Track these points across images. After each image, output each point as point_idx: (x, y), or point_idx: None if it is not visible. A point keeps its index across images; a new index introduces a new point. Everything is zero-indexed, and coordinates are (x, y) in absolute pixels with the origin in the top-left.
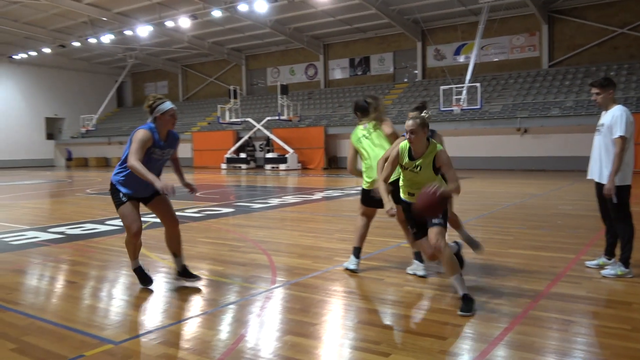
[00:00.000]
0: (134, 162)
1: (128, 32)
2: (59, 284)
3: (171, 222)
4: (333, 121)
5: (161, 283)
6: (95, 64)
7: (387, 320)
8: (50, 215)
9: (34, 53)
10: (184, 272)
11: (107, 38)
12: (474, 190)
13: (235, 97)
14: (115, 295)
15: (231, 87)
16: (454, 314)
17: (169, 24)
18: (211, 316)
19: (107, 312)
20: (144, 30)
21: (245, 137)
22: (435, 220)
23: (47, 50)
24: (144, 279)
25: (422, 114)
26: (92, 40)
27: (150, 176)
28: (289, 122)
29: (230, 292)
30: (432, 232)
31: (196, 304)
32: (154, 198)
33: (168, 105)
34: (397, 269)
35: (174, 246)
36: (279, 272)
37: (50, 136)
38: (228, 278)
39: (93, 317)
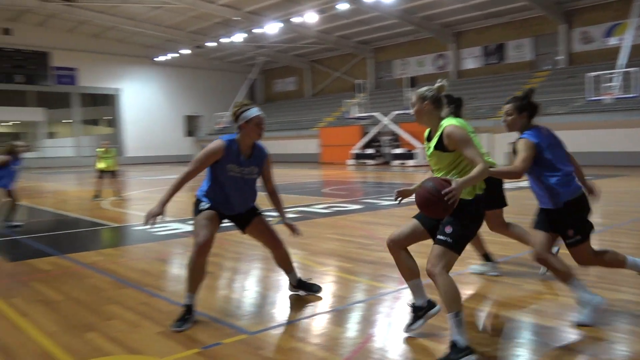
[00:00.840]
0: (183, 172)
1: (258, 30)
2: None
3: (274, 245)
4: (465, 114)
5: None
6: (228, 63)
7: (524, 329)
8: (190, 208)
9: (174, 54)
10: (300, 285)
11: (238, 37)
12: (629, 189)
13: (361, 91)
14: (249, 287)
15: (358, 81)
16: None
17: (296, 19)
18: (339, 313)
19: (241, 303)
20: (272, 28)
21: (372, 132)
22: (440, 236)
23: (185, 51)
24: (183, 321)
25: (429, 87)
26: (225, 40)
27: (165, 195)
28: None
29: (358, 290)
30: (432, 250)
31: (325, 301)
32: (251, 222)
33: (254, 112)
34: (535, 275)
35: (285, 266)
36: None
37: (189, 133)
38: (356, 276)
39: (228, 306)
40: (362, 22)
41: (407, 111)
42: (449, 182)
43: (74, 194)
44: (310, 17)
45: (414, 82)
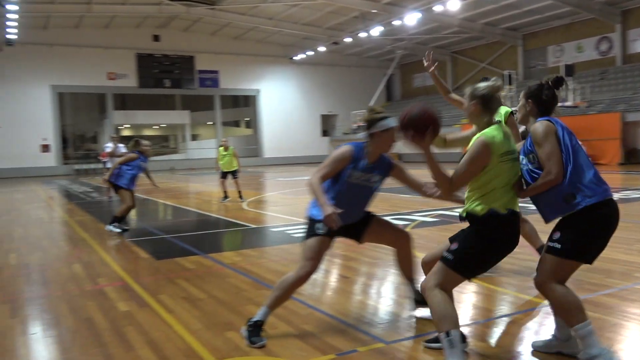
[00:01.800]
0: (314, 178)
1: (396, 22)
2: (333, 278)
3: (401, 238)
4: (634, 105)
5: None
6: (364, 59)
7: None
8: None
9: (311, 52)
10: (422, 299)
11: (376, 31)
12: None
13: (510, 83)
14: (384, 294)
15: (505, 72)
16: None
17: (437, 8)
18: (482, 327)
19: (377, 310)
20: (412, 19)
21: (522, 129)
22: (445, 253)
23: (322, 48)
24: (259, 336)
25: (487, 84)
26: (362, 35)
27: (323, 198)
28: (575, 109)
29: (503, 302)
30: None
31: (466, 312)
32: (367, 227)
33: (391, 122)
34: None
35: (406, 269)
36: None
37: (324, 133)
38: (501, 287)
39: (364, 313)
40: (510, 6)
41: (564, 104)
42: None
43: (215, 194)
44: (452, 5)
45: (570, 70)
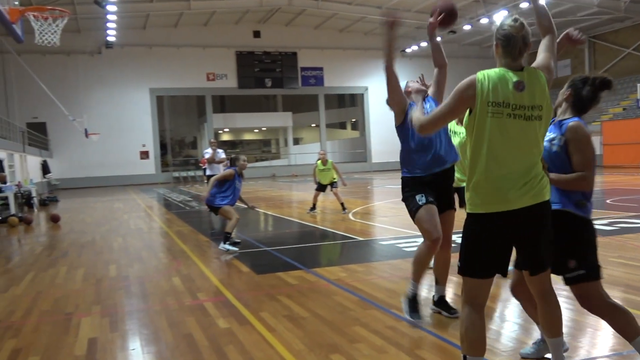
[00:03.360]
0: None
1: (523, 5)
2: (449, 297)
3: (445, 243)
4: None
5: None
6: (485, 49)
7: None
8: None
9: (424, 44)
10: (439, 303)
11: (500, 15)
12: None
13: None
14: (508, 318)
15: None
16: None
17: None
18: (624, 359)
19: (500, 336)
20: None
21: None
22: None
23: (437, 38)
24: (416, 311)
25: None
26: (484, 21)
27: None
28: None
29: None
30: None
31: (603, 340)
32: (443, 213)
33: None
34: None
35: (441, 273)
36: None
37: None
38: None
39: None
40: None
41: None
42: None
43: (319, 204)
44: None
45: None
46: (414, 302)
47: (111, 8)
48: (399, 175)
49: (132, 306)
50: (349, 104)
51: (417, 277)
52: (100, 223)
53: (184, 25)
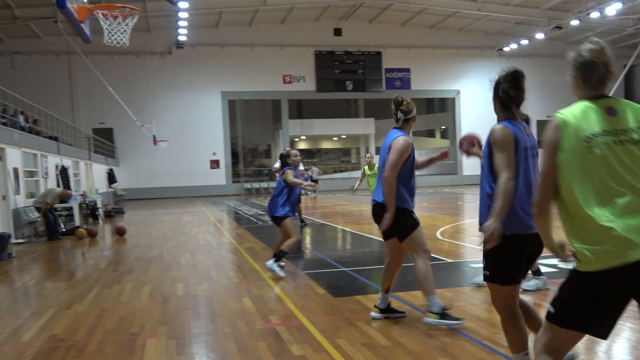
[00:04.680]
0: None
1: None
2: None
3: (401, 258)
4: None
5: None
6: None
7: None
8: None
9: (525, 41)
10: (388, 311)
11: (612, 9)
12: None
13: None
14: (616, 355)
15: None
16: None
17: None
18: None
19: None
20: None
21: None
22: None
23: (540, 35)
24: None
25: None
26: (594, 15)
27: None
28: None
29: None
30: None
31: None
32: None
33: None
34: None
35: (388, 282)
36: None
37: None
38: None
39: None
40: None
41: None
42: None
43: None
44: None
45: None
46: (446, 313)
47: (183, 5)
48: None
49: (200, 328)
50: (439, 109)
51: (431, 291)
52: (167, 237)
53: (259, 23)
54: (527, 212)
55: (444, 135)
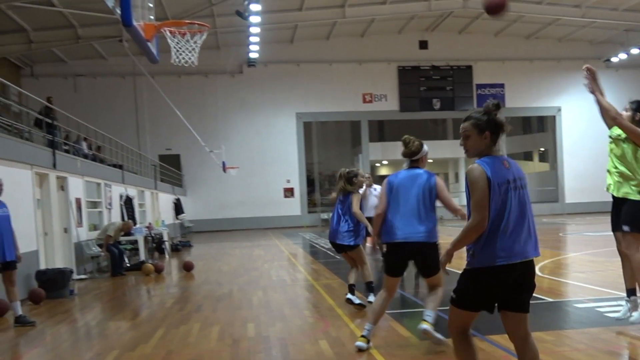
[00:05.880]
0: None
1: None
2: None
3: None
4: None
5: None
6: None
7: None
8: None
9: (636, 50)
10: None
11: None
12: None
13: None
14: None
15: None
16: None
17: None
18: None
19: None
20: None
21: None
22: None
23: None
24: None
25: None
26: None
27: None
28: None
29: None
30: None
31: None
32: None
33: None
34: None
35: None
36: None
37: None
38: None
39: None
40: None
41: None
42: None
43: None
44: None
45: None
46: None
47: (255, 19)
48: (598, 219)
49: None
50: (537, 129)
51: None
52: (238, 273)
53: (337, 37)
54: (515, 241)
55: (542, 158)
